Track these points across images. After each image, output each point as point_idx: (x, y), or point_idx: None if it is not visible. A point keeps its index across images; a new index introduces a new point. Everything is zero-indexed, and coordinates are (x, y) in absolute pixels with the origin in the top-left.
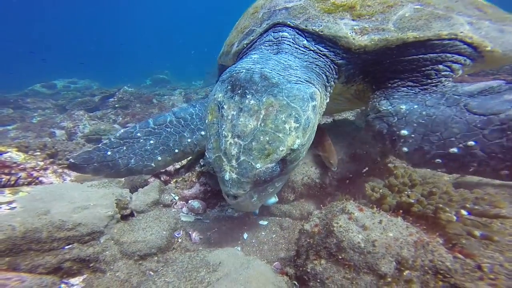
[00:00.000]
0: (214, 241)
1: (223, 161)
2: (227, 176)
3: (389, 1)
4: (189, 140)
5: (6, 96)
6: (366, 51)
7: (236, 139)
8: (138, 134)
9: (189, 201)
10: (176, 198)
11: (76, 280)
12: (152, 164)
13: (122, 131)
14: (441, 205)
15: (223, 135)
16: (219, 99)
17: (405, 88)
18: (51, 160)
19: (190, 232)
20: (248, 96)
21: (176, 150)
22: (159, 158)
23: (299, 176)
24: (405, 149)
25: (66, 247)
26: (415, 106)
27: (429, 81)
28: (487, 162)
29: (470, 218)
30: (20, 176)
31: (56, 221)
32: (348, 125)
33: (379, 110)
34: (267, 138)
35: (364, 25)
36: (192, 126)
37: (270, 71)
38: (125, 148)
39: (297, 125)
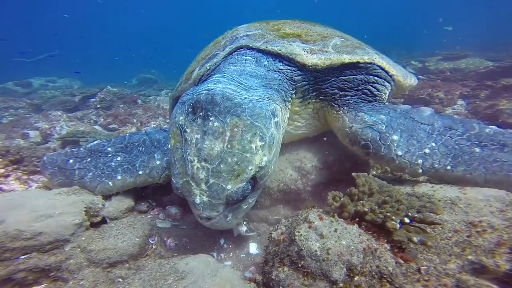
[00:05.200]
0: (189, 247)
1: (191, 185)
2: (197, 200)
3: (323, 33)
4: (158, 162)
5: None
6: (317, 69)
7: (203, 163)
8: (109, 149)
9: (167, 207)
10: (154, 204)
11: None
12: (110, 183)
13: (95, 142)
14: (388, 214)
15: (189, 160)
16: (180, 123)
17: (363, 103)
18: (15, 166)
19: (165, 239)
20: (211, 118)
21: (140, 172)
22: (119, 177)
23: (275, 183)
24: (399, 152)
25: (22, 257)
26: (390, 116)
27: (370, 98)
28: (446, 157)
29: (413, 225)
30: None
31: (11, 231)
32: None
33: (365, 120)
34: (235, 159)
35: (311, 47)
36: (165, 148)
37: (232, 92)
38: (89, 159)
39: (263, 143)
